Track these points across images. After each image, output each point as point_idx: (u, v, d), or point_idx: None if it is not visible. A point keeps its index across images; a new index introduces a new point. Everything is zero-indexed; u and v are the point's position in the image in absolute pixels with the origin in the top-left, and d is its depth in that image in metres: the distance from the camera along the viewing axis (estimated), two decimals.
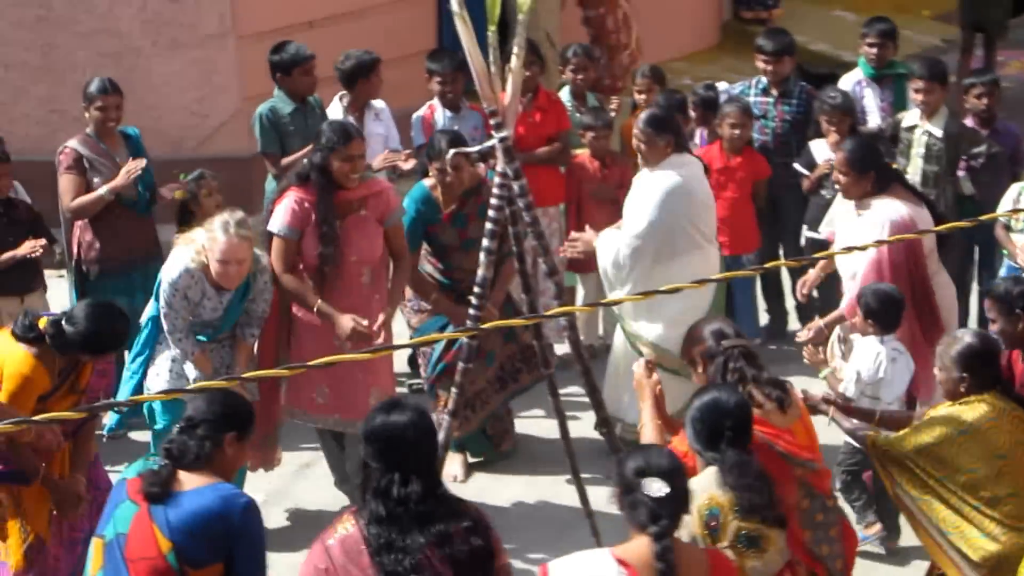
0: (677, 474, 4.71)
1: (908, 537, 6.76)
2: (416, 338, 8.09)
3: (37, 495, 6.38)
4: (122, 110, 8.46)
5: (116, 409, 7.46)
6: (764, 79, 9.49)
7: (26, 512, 6.39)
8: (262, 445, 7.42)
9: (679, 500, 4.69)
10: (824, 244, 8.55)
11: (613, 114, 9.64)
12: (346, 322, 7.23)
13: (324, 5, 11.65)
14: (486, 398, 8.00)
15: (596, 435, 7.90)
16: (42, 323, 6.21)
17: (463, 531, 4.66)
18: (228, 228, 6.92)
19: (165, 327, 7.12)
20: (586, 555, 4.76)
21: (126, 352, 7.40)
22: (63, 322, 6.16)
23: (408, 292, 8.00)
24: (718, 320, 6.00)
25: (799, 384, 5.96)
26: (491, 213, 6.42)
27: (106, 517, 5.08)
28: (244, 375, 6.21)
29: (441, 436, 5.93)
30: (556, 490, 7.91)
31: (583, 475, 6.93)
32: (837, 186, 7.87)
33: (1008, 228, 8.40)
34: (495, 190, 6.43)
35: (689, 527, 5.07)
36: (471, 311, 6.55)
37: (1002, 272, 8.51)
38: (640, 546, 4.62)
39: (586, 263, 8.51)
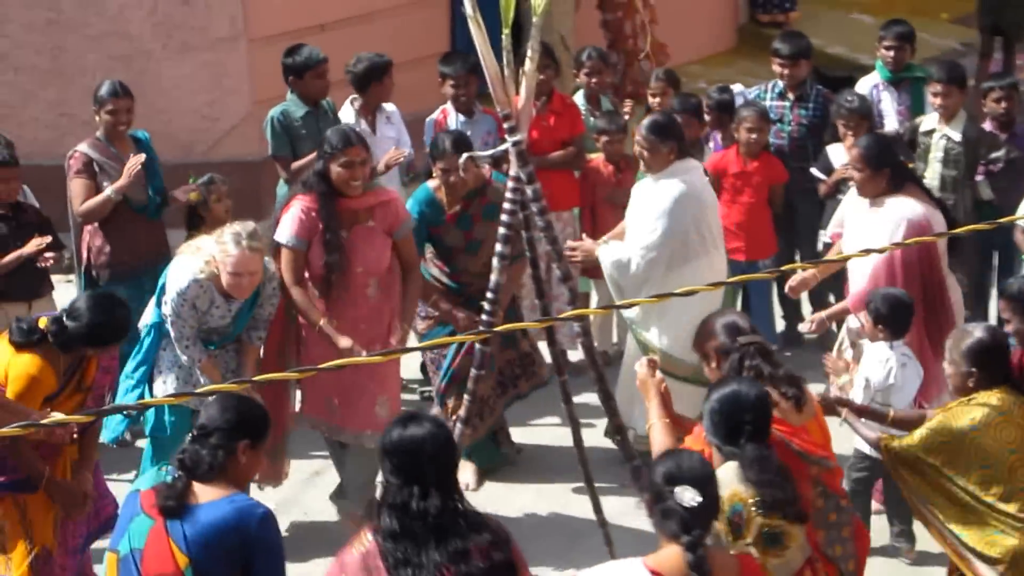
0: (709, 481, 4.63)
1: (927, 542, 6.66)
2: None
3: (42, 504, 6.32)
4: (133, 114, 8.41)
5: (125, 413, 7.40)
6: (780, 83, 9.42)
7: (32, 522, 6.33)
8: (270, 455, 7.33)
9: (711, 508, 4.61)
10: None
11: (627, 118, 9.56)
12: (345, 343, 7.13)
13: (336, 8, 11.59)
14: (492, 404, 7.92)
15: (609, 443, 7.86)
16: (42, 323, 6.18)
17: (483, 547, 4.57)
18: (240, 240, 6.87)
19: (172, 334, 7.07)
20: (617, 565, 4.69)
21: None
22: (65, 318, 6.14)
23: None
24: (731, 313, 5.90)
25: (813, 391, 5.86)
26: (504, 218, 6.35)
27: (120, 531, 4.99)
28: (254, 379, 6.18)
29: None
30: (568, 499, 7.83)
31: (596, 484, 6.85)
32: (851, 182, 7.78)
33: None
34: (508, 194, 6.36)
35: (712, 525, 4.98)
36: (484, 317, 6.47)
37: None
38: (672, 556, 4.54)
39: (600, 269, 8.43)
